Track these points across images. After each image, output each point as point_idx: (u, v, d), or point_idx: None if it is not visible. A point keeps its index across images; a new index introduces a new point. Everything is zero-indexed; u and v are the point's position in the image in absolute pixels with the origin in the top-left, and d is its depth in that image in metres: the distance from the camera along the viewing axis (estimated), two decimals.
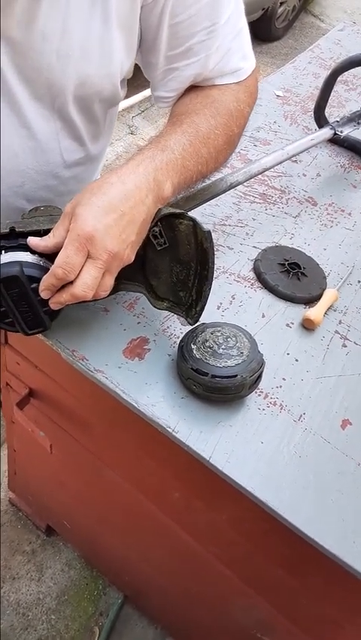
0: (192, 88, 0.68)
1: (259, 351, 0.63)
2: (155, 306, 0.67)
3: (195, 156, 0.59)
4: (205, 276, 0.61)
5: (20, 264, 0.53)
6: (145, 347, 0.66)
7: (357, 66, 1.02)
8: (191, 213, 0.86)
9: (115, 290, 0.66)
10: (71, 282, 0.51)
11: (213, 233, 0.85)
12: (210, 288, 0.61)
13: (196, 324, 0.64)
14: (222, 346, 0.62)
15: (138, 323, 0.69)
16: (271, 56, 3.87)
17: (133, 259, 0.57)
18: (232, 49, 0.65)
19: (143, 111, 3.03)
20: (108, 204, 0.51)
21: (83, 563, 1.44)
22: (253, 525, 0.65)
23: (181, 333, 0.69)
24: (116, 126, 3.04)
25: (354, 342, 0.75)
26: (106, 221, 0.50)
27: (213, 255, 0.59)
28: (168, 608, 1.19)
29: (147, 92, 3.06)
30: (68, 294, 0.52)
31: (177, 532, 0.81)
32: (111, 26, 0.57)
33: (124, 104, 3.01)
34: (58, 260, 0.50)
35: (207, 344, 0.62)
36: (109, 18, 0.57)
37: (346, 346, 0.74)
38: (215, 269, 0.79)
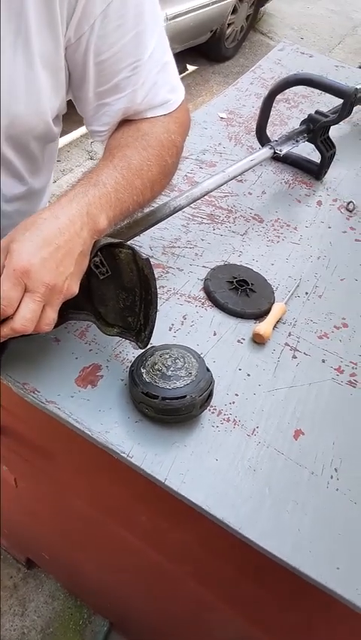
0: (125, 122, 0.70)
1: (207, 370, 0.65)
2: (105, 333, 0.68)
3: (129, 188, 0.61)
4: (150, 300, 0.62)
5: None
6: (98, 374, 0.67)
7: (292, 86, 1.06)
8: (140, 238, 0.88)
9: (64, 319, 0.67)
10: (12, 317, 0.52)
11: (162, 256, 0.88)
12: (156, 312, 0.63)
13: (146, 348, 0.66)
14: (171, 368, 0.63)
15: (90, 350, 0.70)
16: (224, 76, 3.97)
17: (77, 290, 0.58)
18: (159, 83, 0.67)
19: None
20: (42, 239, 0.52)
21: (67, 594, 1.42)
22: (217, 541, 0.66)
23: (133, 357, 0.70)
24: (75, 152, 3.04)
25: (304, 353, 0.78)
26: (41, 254, 0.52)
27: (155, 280, 0.61)
28: (153, 630, 1.19)
29: None
30: (7, 328, 0.53)
31: (149, 553, 0.82)
32: (35, 66, 0.59)
33: (83, 129, 3.04)
34: None
35: (156, 367, 0.63)
36: (32, 59, 0.59)
37: (296, 357, 0.77)
38: (166, 291, 0.82)
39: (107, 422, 0.63)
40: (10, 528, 1.28)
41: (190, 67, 3.94)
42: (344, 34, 5.51)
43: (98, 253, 0.60)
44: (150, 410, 0.62)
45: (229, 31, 3.87)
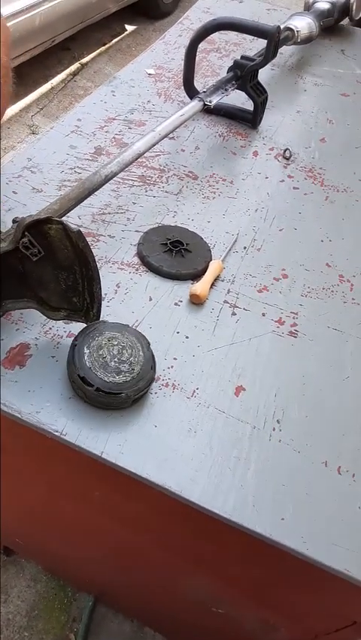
0: None
1: (152, 367, 0.62)
2: (52, 318, 0.65)
3: None
4: (91, 276, 0.59)
5: None
6: (26, 353, 0.65)
7: (212, 33, 1.01)
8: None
9: (1, 311, 0.63)
10: None
11: (92, 224, 0.84)
12: (100, 287, 0.60)
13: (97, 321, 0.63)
14: (115, 358, 0.60)
15: (17, 330, 0.67)
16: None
17: None
18: None
19: (42, 108, 2.94)
20: None
21: (49, 575, 1.43)
22: (167, 506, 0.65)
23: (65, 332, 0.67)
24: (16, 128, 2.91)
25: (243, 309, 0.76)
26: None
27: (92, 253, 0.58)
28: (135, 600, 1.20)
29: (43, 89, 2.98)
30: None
31: (111, 526, 0.81)
32: None
33: (22, 103, 2.92)
34: None
35: (101, 352, 0.60)
36: None
37: (235, 314, 0.75)
38: (98, 260, 0.78)
39: (37, 402, 0.60)
40: None
41: (129, 27, 3.79)
42: None
43: (26, 233, 0.56)
44: (82, 394, 0.60)
45: None
